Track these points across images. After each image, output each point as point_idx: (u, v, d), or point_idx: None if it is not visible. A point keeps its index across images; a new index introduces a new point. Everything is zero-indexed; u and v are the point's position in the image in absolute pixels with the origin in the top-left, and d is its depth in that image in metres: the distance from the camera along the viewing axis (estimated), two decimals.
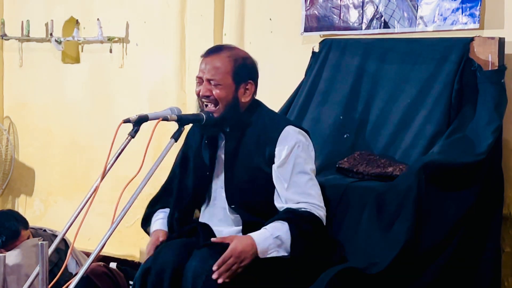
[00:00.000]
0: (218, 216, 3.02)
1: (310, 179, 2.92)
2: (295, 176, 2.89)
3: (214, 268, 2.74)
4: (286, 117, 3.05)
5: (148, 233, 3.18)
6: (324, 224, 2.89)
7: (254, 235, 2.79)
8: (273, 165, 2.92)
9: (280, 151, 2.91)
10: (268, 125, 2.96)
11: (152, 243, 3.02)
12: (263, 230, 2.81)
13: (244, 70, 2.96)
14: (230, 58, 2.94)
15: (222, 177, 3.00)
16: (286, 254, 2.81)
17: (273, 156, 2.92)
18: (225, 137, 2.98)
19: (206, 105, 2.94)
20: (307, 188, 2.90)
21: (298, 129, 2.98)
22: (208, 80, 2.92)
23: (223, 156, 3.00)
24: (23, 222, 4.05)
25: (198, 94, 2.97)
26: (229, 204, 2.96)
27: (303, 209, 2.85)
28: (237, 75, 2.93)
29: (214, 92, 2.91)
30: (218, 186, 3.02)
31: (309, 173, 2.93)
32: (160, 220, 3.14)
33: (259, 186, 2.93)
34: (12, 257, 3.85)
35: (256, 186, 2.94)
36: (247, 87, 2.97)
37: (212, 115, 2.93)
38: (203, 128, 2.97)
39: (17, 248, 3.92)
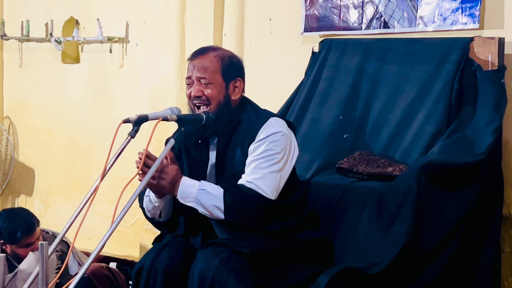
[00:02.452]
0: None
1: (272, 167, 2.89)
2: (259, 160, 2.89)
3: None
4: (273, 113, 3.07)
5: (144, 209, 3.11)
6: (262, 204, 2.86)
7: (185, 177, 2.88)
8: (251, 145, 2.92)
9: (259, 136, 2.92)
10: (254, 120, 2.97)
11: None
12: (196, 181, 2.90)
13: (232, 68, 2.99)
14: (217, 57, 2.97)
15: (213, 175, 3.01)
16: (206, 212, 2.85)
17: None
18: (217, 135, 2.99)
19: (198, 107, 2.96)
20: (265, 174, 2.88)
21: (282, 121, 2.99)
22: (199, 80, 2.94)
23: (214, 153, 3.01)
24: (36, 218, 4.07)
25: (189, 97, 2.98)
26: None
27: (246, 186, 2.86)
28: (226, 73, 2.97)
29: (205, 92, 2.94)
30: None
31: (275, 161, 2.89)
32: None
33: None
34: (26, 264, 3.85)
35: None
36: (236, 84, 2.99)
37: (213, 115, 2.94)
38: (200, 129, 2.97)
39: (32, 254, 3.90)
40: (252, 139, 2.93)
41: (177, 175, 2.88)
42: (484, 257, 3.19)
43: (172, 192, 2.88)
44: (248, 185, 2.87)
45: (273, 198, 2.88)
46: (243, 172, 2.92)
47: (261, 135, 2.92)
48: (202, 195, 2.86)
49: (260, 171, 2.88)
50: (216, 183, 2.94)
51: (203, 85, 2.94)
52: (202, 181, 2.91)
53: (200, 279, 2.76)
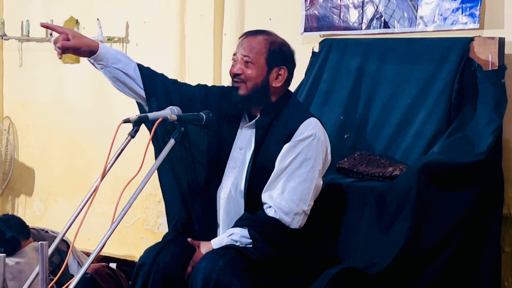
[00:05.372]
0: (223, 194, 3.03)
1: (305, 174, 2.90)
2: (292, 166, 2.89)
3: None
4: (313, 114, 3.08)
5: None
6: (290, 226, 2.89)
7: (213, 240, 2.93)
8: (286, 144, 2.92)
9: (296, 136, 2.91)
10: (294, 117, 2.97)
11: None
12: (221, 235, 2.94)
13: (279, 55, 2.99)
14: (266, 41, 2.98)
15: (239, 159, 3.00)
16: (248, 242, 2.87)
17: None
18: (256, 125, 2.99)
19: (236, 85, 2.97)
20: (296, 183, 2.89)
21: (321, 126, 2.99)
22: (242, 58, 2.96)
23: (243, 136, 3.01)
24: (24, 233, 3.98)
25: (230, 74, 3.00)
26: (246, 187, 2.97)
27: (263, 214, 2.89)
28: (271, 58, 2.97)
29: (245, 72, 2.95)
30: (231, 166, 3.03)
31: (308, 168, 2.90)
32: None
33: None
34: (13, 262, 3.83)
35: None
36: (279, 72, 2.99)
37: (213, 115, 2.95)
38: (229, 106, 3.00)
39: (20, 253, 3.89)
40: (288, 135, 2.92)
41: (207, 248, 2.91)
42: (484, 257, 3.18)
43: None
44: (269, 212, 2.88)
45: (305, 209, 2.90)
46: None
47: (297, 134, 2.91)
48: (233, 239, 2.89)
49: (288, 185, 2.88)
50: (250, 172, 2.95)
51: (245, 64, 2.95)
52: (228, 230, 2.93)
53: (204, 279, 2.76)
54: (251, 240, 2.86)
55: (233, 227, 2.93)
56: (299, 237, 2.92)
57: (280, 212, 2.87)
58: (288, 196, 2.88)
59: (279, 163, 2.92)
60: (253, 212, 2.93)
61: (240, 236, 2.87)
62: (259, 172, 2.95)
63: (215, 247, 2.90)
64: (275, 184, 2.91)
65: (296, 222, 2.89)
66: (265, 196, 2.92)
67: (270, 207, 2.89)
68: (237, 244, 2.87)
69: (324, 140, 2.96)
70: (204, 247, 2.92)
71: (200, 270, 2.79)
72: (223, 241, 2.90)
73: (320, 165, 2.94)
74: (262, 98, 2.97)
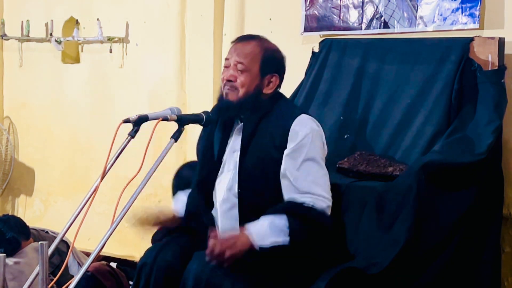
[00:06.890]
0: (219, 197, 3.01)
1: (321, 168, 2.91)
2: (306, 163, 2.88)
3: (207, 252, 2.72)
4: (302, 108, 3.05)
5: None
6: (328, 214, 2.87)
7: (248, 225, 2.79)
8: (285, 150, 2.90)
9: (293, 137, 2.90)
10: (284, 113, 2.96)
11: (163, 219, 3.05)
12: (258, 220, 2.80)
13: (272, 62, 2.98)
14: (260, 47, 2.97)
15: (233, 161, 2.99)
16: (286, 241, 2.77)
17: (285, 142, 2.91)
18: (243, 121, 2.98)
19: (227, 91, 2.95)
20: (316, 177, 2.89)
21: (312, 118, 2.99)
22: (236, 64, 2.94)
23: (237, 140, 3.00)
24: (24, 233, 3.99)
25: (222, 79, 2.99)
26: (238, 188, 2.95)
27: (305, 203, 2.84)
28: (264, 65, 2.96)
29: (238, 78, 2.93)
30: (225, 170, 3.02)
31: (320, 162, 2.91)
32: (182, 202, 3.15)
33: (269, 174, 2.92)
34: (13, 263, 3.83)
35: (266, 173, 2.93)
36: (271, 79, 2.98)
37: (213, 114, 2.94)
38: (219, 113, 2.98)
39: (20, 253, 3.89)
40: (283, 133, 2.90)
41: (245, 240, 2.74)
42: (484, 257, 3.19)
43: (249, 243, 2.75)
44: (308, 198, 2.84)
45: (330, 201, 2.89)
46: (268, 162, 2.90)
47: (293, 135, 2.89)
48: (274, 229, 2.77)
49: (313, 178, 2.87)
50: (239, 170, 2.93)
51: (238, 70, 2.94)
52: (263, 217, 2.81)
53: (195, 280, 2.76)
54: (288, 230, 2.77)
55: (268, 213, 2.83)
56: (329, 231, 2.89)
57: (316, 199, 2.84)
58: (319, 185, 2.87)
59: (291, 169, 2.89)
60: (245, 211, 2.91)
61: (282, 223, 2.77)
62: (249, 170, 2.93)
63: (253, 234, 2.75)
64: (298, 181, 2.87)
65: (327, 206, 2.88)
66: (299, 195, 2.87)
67: (306, 193, 2.86)
68: (278, 233, 2.76)
69: (318, 130, 2.96)
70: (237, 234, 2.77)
71: (191, 271, 2.78)
72: (263, 228, 2.76)
73: (324, 153, 2.95)
74: (254, 104, 2.96)
